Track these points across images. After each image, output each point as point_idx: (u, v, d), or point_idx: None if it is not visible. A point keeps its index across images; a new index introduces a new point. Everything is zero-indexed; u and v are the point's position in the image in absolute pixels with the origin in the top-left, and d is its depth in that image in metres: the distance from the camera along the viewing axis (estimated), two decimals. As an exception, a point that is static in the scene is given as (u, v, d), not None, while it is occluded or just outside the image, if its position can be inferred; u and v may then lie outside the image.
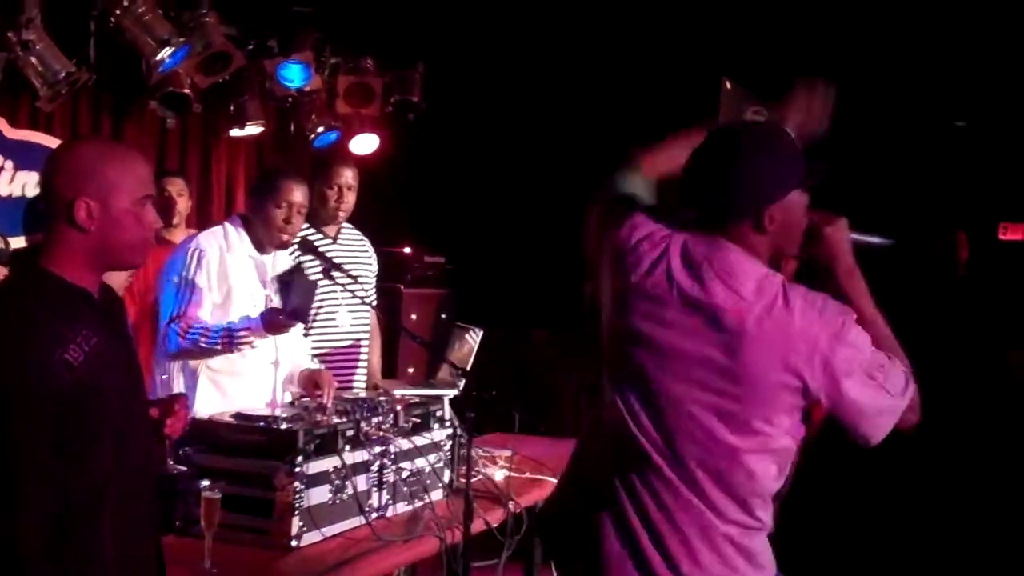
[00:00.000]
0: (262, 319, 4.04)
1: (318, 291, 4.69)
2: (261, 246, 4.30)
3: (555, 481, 4.28)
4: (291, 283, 4.29)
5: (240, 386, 4.13)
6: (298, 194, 4.27)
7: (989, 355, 6.98)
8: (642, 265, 2.69)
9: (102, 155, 2.45)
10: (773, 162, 2.67)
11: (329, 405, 3.78)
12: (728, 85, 8.75)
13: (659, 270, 2.66)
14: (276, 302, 4.28)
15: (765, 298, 2.56)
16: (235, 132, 6.78)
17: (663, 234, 2.72)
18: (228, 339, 4.02)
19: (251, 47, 6.60)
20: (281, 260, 4.39)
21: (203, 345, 4.02)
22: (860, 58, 8.38)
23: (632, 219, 2.79)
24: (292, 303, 4.18)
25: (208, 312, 4.11)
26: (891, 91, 8.92)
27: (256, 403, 4.05)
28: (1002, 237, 9.72)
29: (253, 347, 4.07)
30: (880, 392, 2.62)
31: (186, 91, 6.18)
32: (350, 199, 4.90)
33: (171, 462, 2.94)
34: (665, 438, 2.63)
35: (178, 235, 5.54)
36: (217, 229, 4.34)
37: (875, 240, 2.87)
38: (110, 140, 5.38)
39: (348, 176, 4.91)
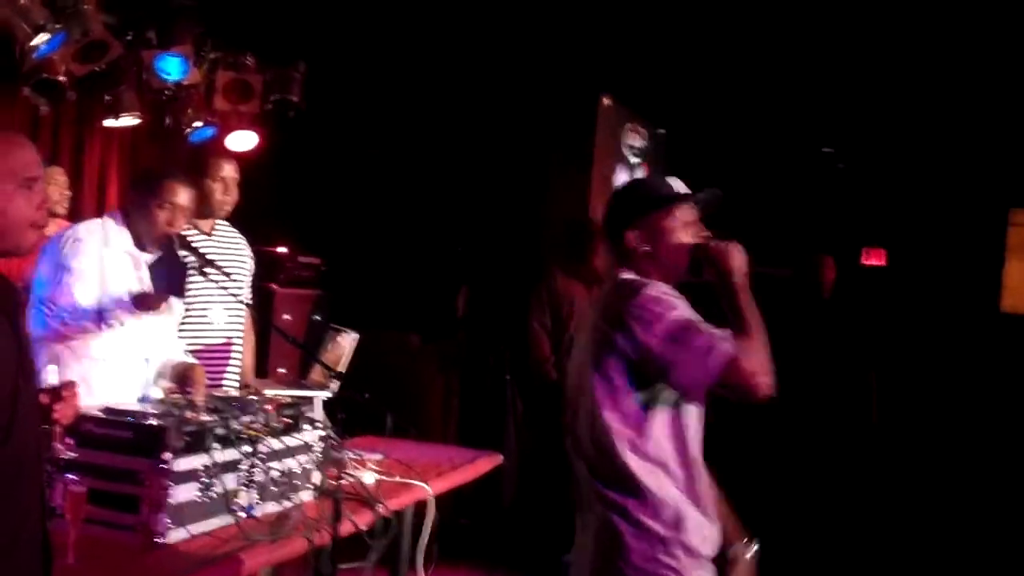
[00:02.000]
0: (132, 298, 4.00)
1: (192, 288, 4.65)
2: (141, 243, 4.24)
3: (424, 486, 4.32)
4: (162, 266, 4.27)
5: (110, 381, 4.07)
6: (184, 196, 4.23)
7: (853, 375, 7.19)
8: None
9: None
10: (627, 194, 3.33)
11: (199, 401, 3.75)
12: (606, 102, 8.87)
13: None
14: None
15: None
16: (110, 122, 6.68)
17: None
18: (98, 318, 3.97)
19: (130, 37, 6.51)
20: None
21: (70, 323, 3.95)
22: (732, 84, 8.57)
23: None
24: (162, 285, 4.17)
25: (82, 298, 4.04)
26: (761, 117, 9.13)
27: (126, 398, 4.00)
28: (864, 262, 10.01)
29: (122, 324, 4.00)
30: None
31: (61, 79, 6.07)
32: (234, 193, 4.88)
33: (60, 447, 2.90)
34: None
35: (53, 227, 5.44)
36: (95, 222, 4.28)
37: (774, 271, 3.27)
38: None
39: (232, 170, 4.89)
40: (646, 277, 3.09)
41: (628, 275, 3.11)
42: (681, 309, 2.98)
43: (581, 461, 3.08)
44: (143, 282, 4.23)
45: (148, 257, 4.27)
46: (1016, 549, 6.90)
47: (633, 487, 2.97)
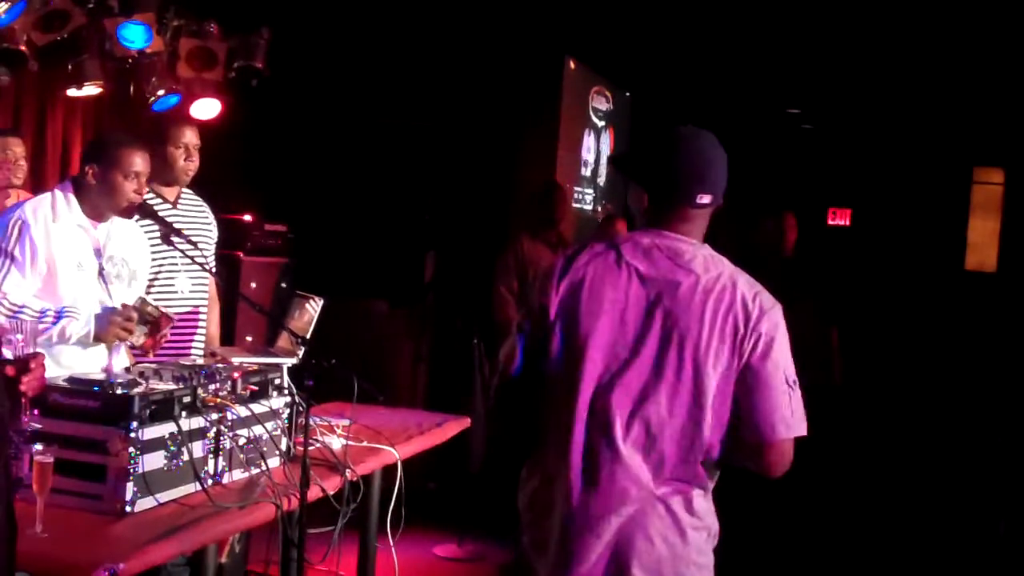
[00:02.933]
0: (97, 320, 4.01)
1: (157, 257, 4.65)
2: (97, 213, 4.21)
3: (392, 450, 4.35)
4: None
5: (74, 351, 4.07)
6: (145, 162, 4.21)
7: (813, 333, 7.25)
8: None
9: None
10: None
11: (159, 367, 3.78)
12: (572, 65, 8.87)
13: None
14: (111, 270, 4.22)
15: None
16: (72, 92, 6.64)
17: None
18: (50, 322, 3.97)
19: (91, 5, 6.46)
20: (117, 227, 4.31)
21: (16, 319, 3.93)
22: (697, 45, 8.59)
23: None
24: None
25: (29, 286, 4.01)
26: (726, 79, 9.16)
27: (91, 368, 4.00)
28: (830, 222, 10.08)
29: (70, 337, 4.02)
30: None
31: (22, 48, 6.03)
32: (197, 159, 4.87)
33: (26, 419, 2.92)
34: None
35: (12, 198, 5.42)
36: (44, 197, 4.17)
37: None
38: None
39: (193, 136, 4.87)
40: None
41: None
42: None
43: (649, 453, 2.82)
44: (101, 255, 4.21)
45: (105, 227, 4.25)
46: (979, 506, 7.00)
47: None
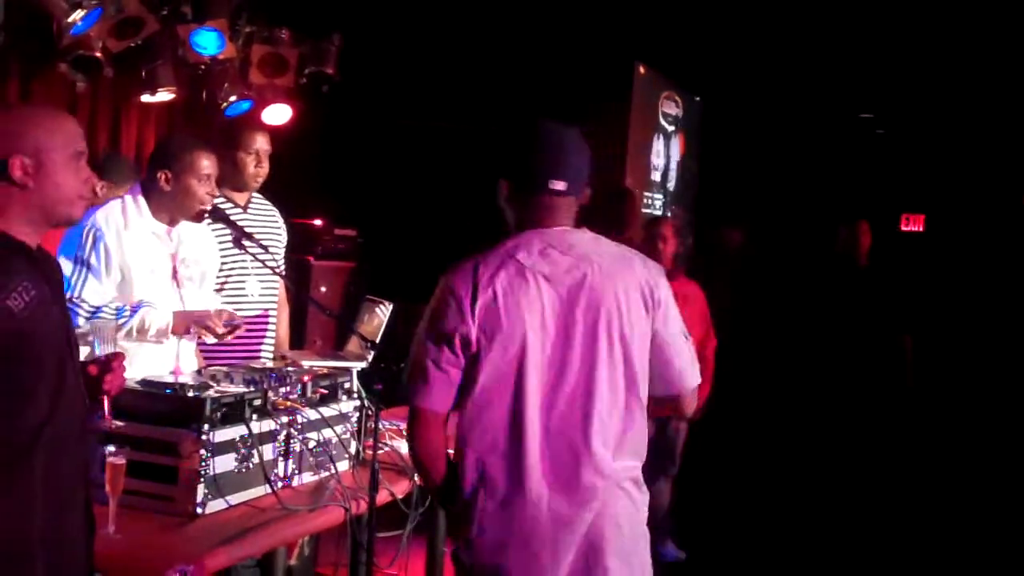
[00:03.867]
0: (176, 316, 4.06)
1: (228, 260, 4.69)
2: (169, 218, 4.25)
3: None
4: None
5: (145, 354, 4.10)
6: (213, 165, 4.25)
7: (887, 340, 7.18)
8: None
9: (31, 115, 2.60)
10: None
11: (230, 370, 3.80)
12: (642, 70, 8.84)
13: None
14: (184, 272, 4.26)
15: None
16: (146, 98, 6.71)
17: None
18: (128, 314, 4.01)
19: (165, 12, 6.53)
20: (187, 229, 4.34)
21: (107, 319, 3.97)
22: (768, 50, 8.51)
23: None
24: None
25: (105, 292, 4.05)
26: (798, 83, 9.07)
27: (161, 369, 4.04)
28: (904, 228, 9.96)
29: (150, 331, 4.05)
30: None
31: (97, 55, 6.11)
32: (267, 165, 4.90)
33: (108, 418, 2.95)
34: None
35: None
36: (115, 204, 4.20)
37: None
38: (37, 103, 5.32)
39: (264, 142, 4.90)
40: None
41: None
42: None
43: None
44: (172, 259, 4.25)
45: (176, 231, 4.28)
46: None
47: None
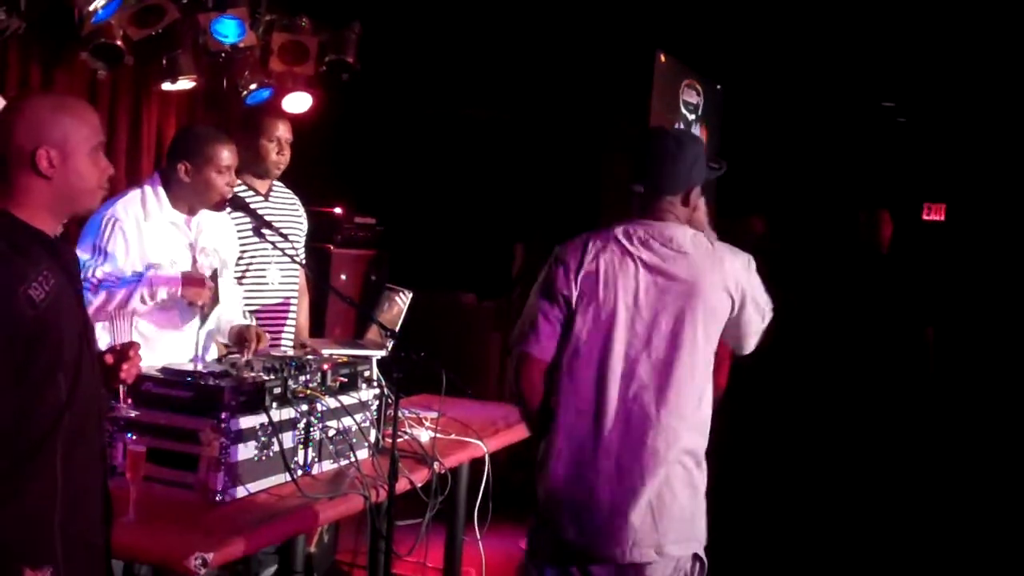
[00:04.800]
0: (182, 275, 4.04)
1: (249, 249, 4.69)
2: (189, 208, 4.25)
3: (480, 443, 4.35)
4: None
5: (168, 340, 4.12)
6: (233, 155, 4.24)
7: (908, 331, 7.15)
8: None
9: (57, 106, 2.62)
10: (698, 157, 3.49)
11: (251, 358, 3.80)
12: (663, 58, 8.81)
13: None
14: (203, 263, 4.26)
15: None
16: (167, 86, 6.71)
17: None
18: (139, 280, 3.98)
19: (185, 1, 6.53)
20: (206, 218, 4.34)
21: (114, 290, 3.96)
22: (789, 38, 8.48)
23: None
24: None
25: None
26: (819, 71, 9.03)
27: (181, 357, 4.05)
28: (925, 217, 9.91)
29: (161, 298, 4.02)
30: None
31: (118, 43, 6.10)
32: (288, 153, 4.90)
33: (124, 406, 2.97)
34: None
35: None
36: (134, 194, 4.19)
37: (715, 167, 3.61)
38: (60, 93, 5.31)
39: (286, 130, 4.91)
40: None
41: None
42: None
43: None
44: (192, 249, 4.25)
45: (195, 220, 4.29)
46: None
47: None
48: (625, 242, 3.35)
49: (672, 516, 3.29)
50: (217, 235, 4.38)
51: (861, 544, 6.64)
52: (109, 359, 2.84)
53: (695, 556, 3.38)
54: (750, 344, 3.54)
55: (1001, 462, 7.86)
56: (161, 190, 4.20)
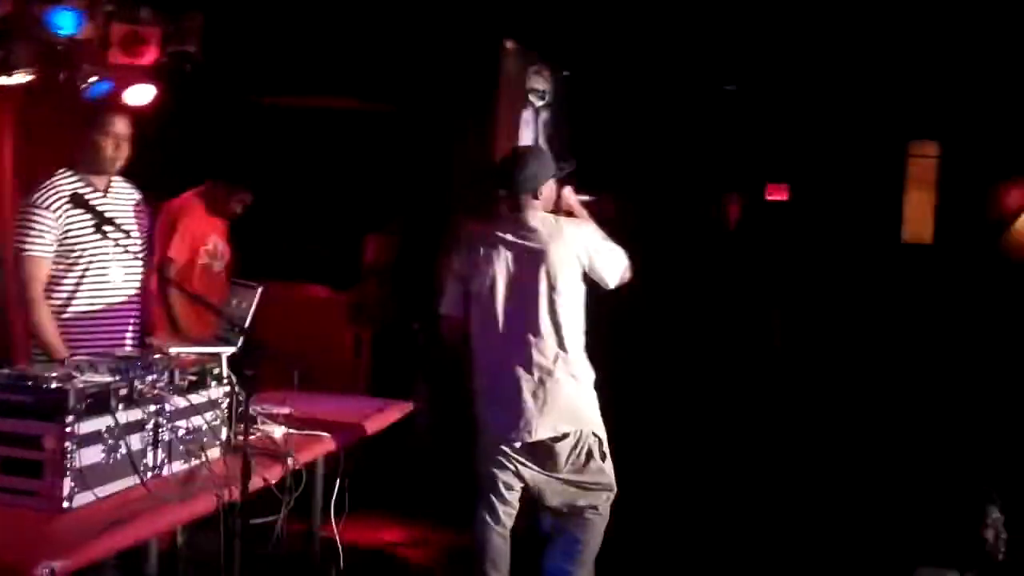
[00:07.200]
0: None
1: (90, 247, 4.59)
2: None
3: (329, 436, 4.33)
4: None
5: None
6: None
7: (757, 310, 7.32)
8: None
9: None
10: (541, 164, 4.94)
11: (94, 359, 3.74)
12: (509, 45, 8.83)
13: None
14: None
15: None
16: (2, 80, 6.52)
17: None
18: None
19: (20, -8, 6.35)
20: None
21: None
22: (634, 23, 8.58)
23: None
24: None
25: None
26: (664, 57, 9.16)
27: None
28: (768, 197, 10.14)
29: None
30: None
31: (-52, 36, 5.92)
32: (126, 148, 4.80)
33: None
34: None
35: None
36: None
37: (586, 198, 5.17)
38: None
39: (123, 125, 4.81)
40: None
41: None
42: None
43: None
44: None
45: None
46: (916, 469, 7.06)
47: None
48: (498, 232, 4.80)
49: (562, 403, 4.77)
50: None
51: (706, 518, 6.77)
52: None
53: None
54: (612, 281, 4.88)
55: (843, 435, 8.08)
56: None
